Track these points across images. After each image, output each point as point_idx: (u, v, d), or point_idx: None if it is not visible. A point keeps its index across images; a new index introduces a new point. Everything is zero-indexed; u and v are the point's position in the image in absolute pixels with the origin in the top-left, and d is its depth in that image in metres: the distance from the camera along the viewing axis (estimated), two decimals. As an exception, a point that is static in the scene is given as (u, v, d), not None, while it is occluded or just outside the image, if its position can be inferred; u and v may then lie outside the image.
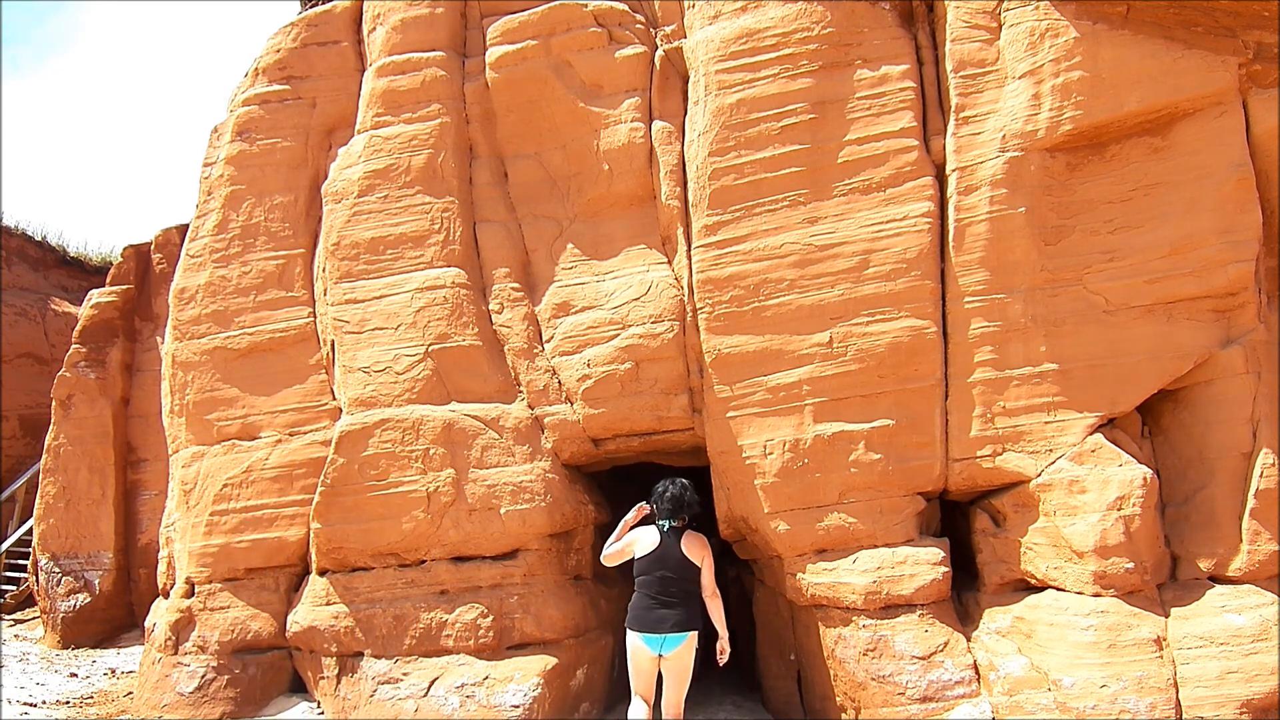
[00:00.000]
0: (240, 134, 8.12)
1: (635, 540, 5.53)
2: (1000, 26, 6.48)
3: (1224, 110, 6.14)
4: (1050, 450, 6.15)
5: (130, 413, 11.43)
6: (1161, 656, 5.57)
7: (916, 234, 6.43)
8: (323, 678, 7.19)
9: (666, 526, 5.50)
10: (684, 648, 5.35)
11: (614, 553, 5.57)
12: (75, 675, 9.29)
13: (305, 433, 7.56)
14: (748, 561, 7.70)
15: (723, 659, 5.52)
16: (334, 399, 7.55)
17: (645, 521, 5.64)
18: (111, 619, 11.02)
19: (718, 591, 5.53)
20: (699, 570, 5.46)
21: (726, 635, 5.50)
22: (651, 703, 5.45)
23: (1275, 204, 6.22)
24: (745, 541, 7.21)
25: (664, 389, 6.89)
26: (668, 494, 5.54)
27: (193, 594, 7.63)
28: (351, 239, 7.50)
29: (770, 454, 6.56)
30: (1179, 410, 6.34)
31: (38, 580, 11.24)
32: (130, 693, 8.34)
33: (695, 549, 5.49)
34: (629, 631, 5.46)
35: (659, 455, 7.50)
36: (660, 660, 5.36)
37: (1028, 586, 6.31)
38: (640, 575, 5.46)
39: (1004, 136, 6.30)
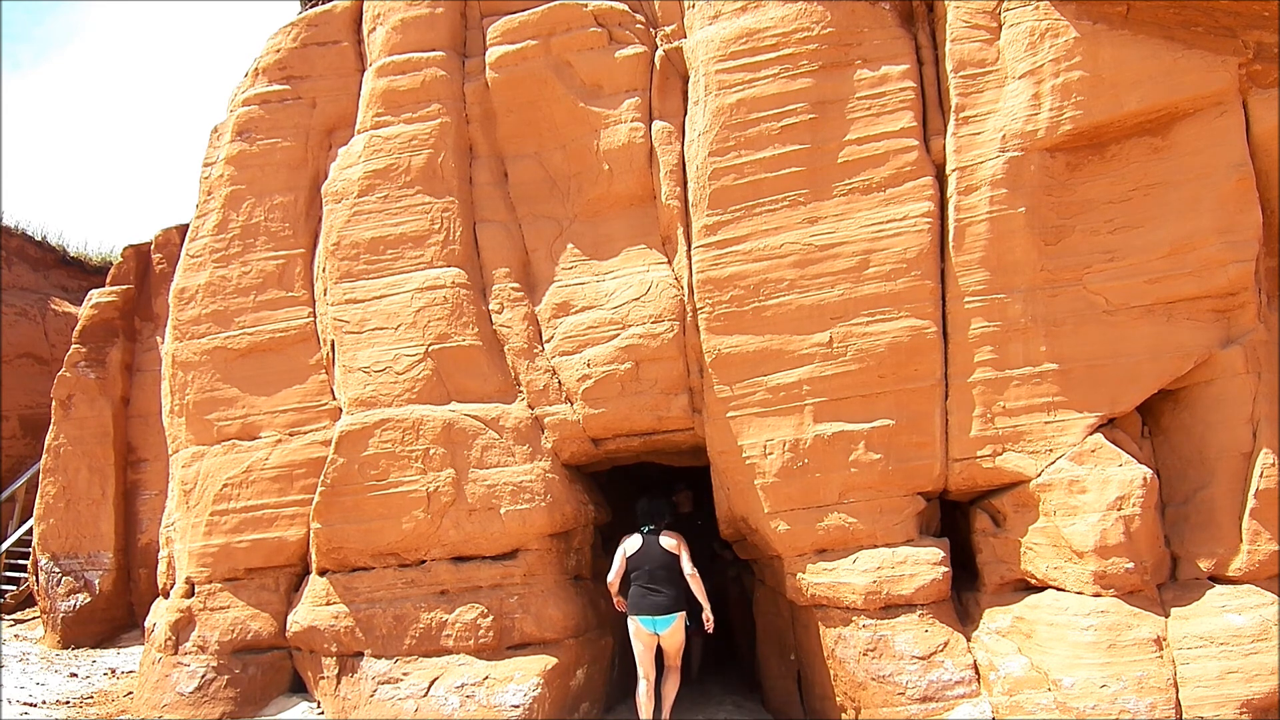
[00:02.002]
0: (240, 134, 8.12)
1: (624, 547, 6.73)
2: (1000, 26, 6.48)
3: (1224, 110, 6.14)
4: (1050, 450, 6.15)
5: (130, 413, 11.44)
6: (1161, 656, 5.57)
7: (916, 234, 6.43)
8: (323, 678, 7.20)
9: (646, 530, 6.73)
10: (675, 626, 6.56)
11: (613, 574, 6.70)
12: (75, 675, 9.30)
13: (305, 433, 7.56)
14: (748, 561, 7.70)
15: (709, 627, 6.63)
16: (334, 399, 7.55)
17: (630, 531, 6.84)
18: (111, 619, 11.03)
19: (696, 572, 6.60)
20: (678, 559, 6.60)
21: (709, 606, 6.59)
22: (653, 680, 6.60)
23: (1275, 204, 6.22)
24: (745, 541, 7.21)
25: (664, 389, 6.89)
26: (643, 506, 6.86)
27: (193, 594, 7.63)
28: (351, 239, 7.50)
29: (770, 454, 6.56)
30: (1179, 410, 6.34)
31: (38, 580, 11.24)
32: (130, 693, 8.34)
33: (671, 543, 6.68)
34: (630, 617, 6.60)
35: (659, 455, 7.50)
36: (658, 638, 6.54)
37: (1028, 586, 6.31)
38: (632, 571, 6.63)
39: (1004, 136, 6.30)
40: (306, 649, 7.30)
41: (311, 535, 7.21)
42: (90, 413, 11.23)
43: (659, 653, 6.65)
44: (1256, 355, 6.10)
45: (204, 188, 8.31)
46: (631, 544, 6.69)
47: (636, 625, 6.56)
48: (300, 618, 7.23)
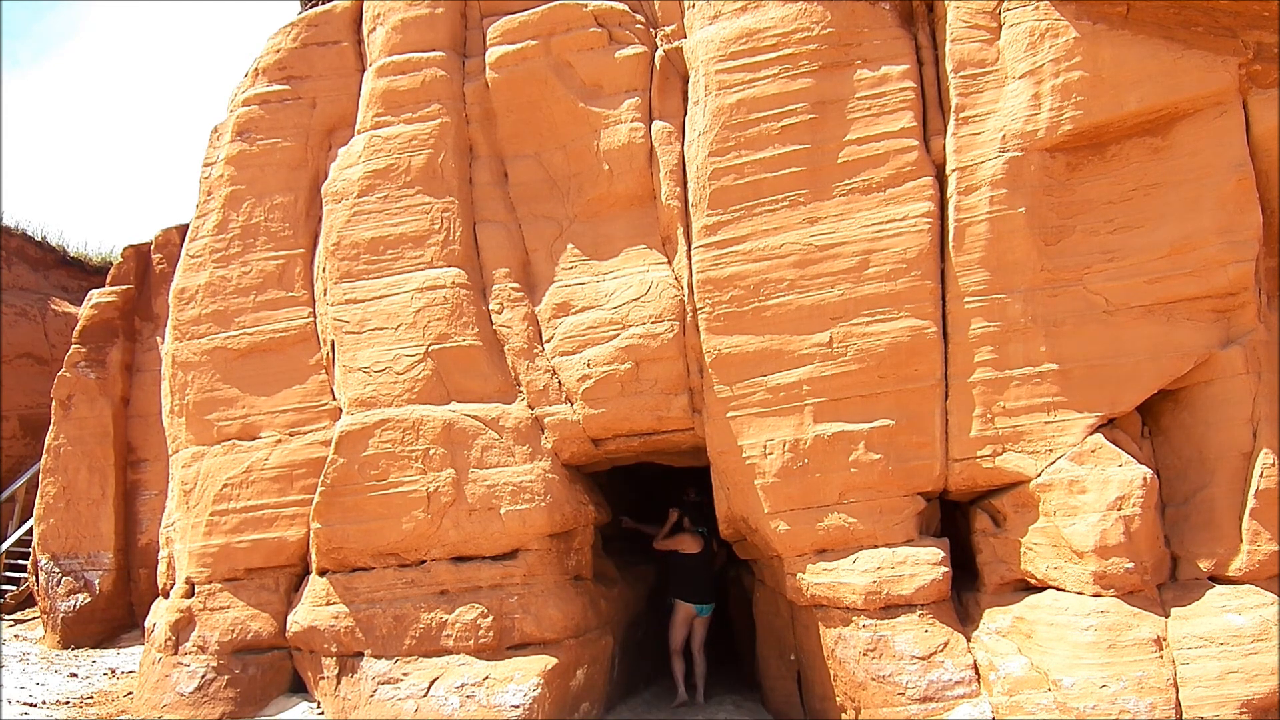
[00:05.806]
0: (240, 134, 8.12)
1: (683, 541, 7.95)
2: (1000, 26, 6.48)
3: (1224, 110, 6.14)
4: (1050, 450, 6.15)
5: (130, 413, 11.43)
6: (1161, 656, 5.57)
7: (916, 234, 6.43)
8: (323, 678, 7.20)
9: (701, 531, 7.94)
10: (711, 612, 8.08)
11: (666, 545, 8.04)
12: (75, 675, 9.30)
13: (305, 433, 7.56)
14: (748, 561, 7.71)
15: None
16: (334, 399, 7.55)
17: (681, 529, 8.00)
18: (111, 619, 11.01)
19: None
20: (717, 558, 8.17)
21: None
22: (680, 650, 7.98)
23: (1275, 204, 6.22)
24: (745, 541, 7.21)
25: (664, 389, 6.89)
26: (697, 514, 8.10)
27: (193, 594, 7.63)
28: (351, 239, 7.50)
29: (770, 454, 6.56)
30: (1179, 410, 6.34)
31: (38, 580, 11.24)
32: (130, 693, 8.34)
33: (714, 546, 8.02)
34: (682, 601, 7.93)
35: (659, 455, 7.51)
36: (696, 619, 7.98)
37: (1028, 586, 6.31)
38: (689, 565, 7.94)
39: (1004, 136, 6.30)
40: (306, 649, 7.30)
41: (311, 535, 7.21)
42: (90, 413, 11.21)
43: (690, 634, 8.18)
44: (1256, 355, 6.11)
45: (204, 188, 8.31)
46: (691, 543, 7.95)
47: (688, 609, 7.96)
48: (300, 618, 7.23)
